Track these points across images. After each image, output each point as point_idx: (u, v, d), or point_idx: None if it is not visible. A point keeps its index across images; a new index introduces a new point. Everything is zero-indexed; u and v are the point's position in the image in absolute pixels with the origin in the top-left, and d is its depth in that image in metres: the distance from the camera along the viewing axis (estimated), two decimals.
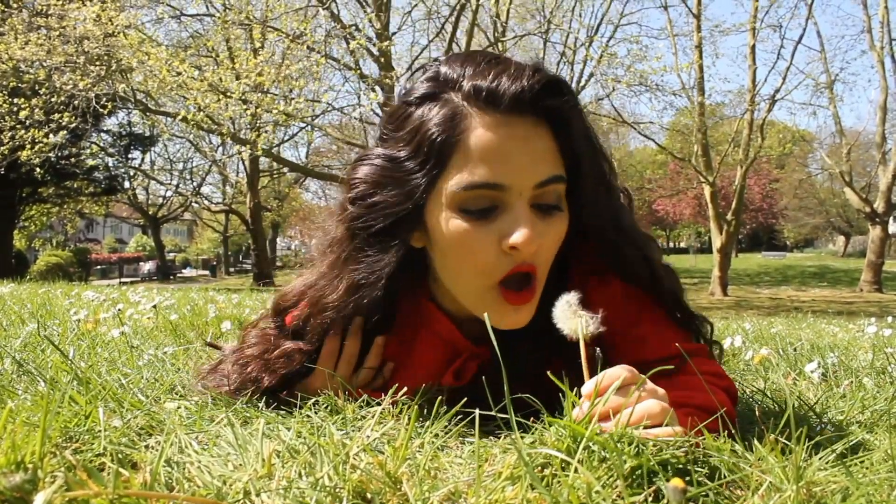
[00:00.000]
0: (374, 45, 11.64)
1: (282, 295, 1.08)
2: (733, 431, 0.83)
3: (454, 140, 0.88)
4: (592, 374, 0.76)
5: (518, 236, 0.87)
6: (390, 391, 0.94)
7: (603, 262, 1.03)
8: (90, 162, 20.23)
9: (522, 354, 0.98)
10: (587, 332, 0.79)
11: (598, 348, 0.98)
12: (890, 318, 4.46)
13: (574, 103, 0.92)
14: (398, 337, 1.07)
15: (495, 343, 0.81)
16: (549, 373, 0.76)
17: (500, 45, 14.14)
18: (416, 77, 0.97)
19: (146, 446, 0.80)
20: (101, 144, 23.81)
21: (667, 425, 0.72)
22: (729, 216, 17.96)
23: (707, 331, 1.10)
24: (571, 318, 0.81)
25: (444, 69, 0.92)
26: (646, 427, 0.70)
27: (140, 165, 26.88)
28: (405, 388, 0.94)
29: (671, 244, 47.64)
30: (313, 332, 1.03)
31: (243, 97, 10.23)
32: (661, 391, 0.78)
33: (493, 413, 0.77)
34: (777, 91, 17.24)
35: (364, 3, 13.09)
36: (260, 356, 1.05)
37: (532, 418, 0.75)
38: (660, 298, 1.05)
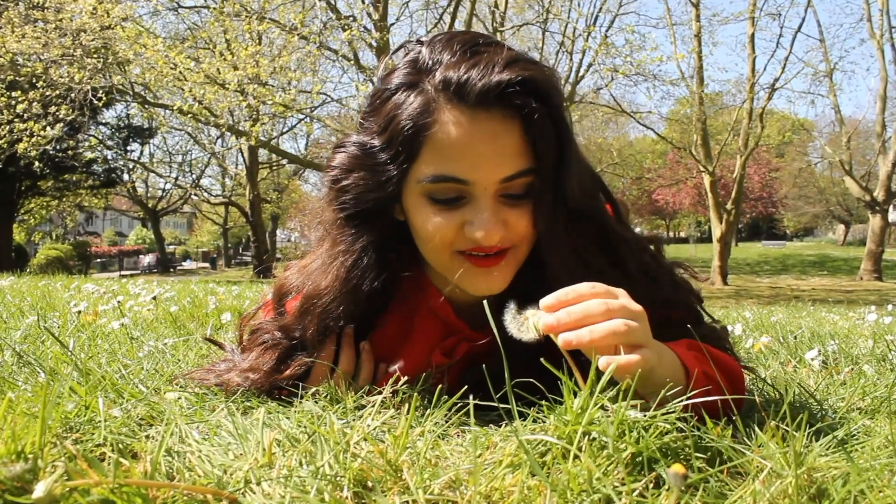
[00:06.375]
0: (371, 35, 11.58)
1: (282, 282, 1.10)
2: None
3: (425, 134, 0.89)
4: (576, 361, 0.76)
5: (478, 230, 0.90)
6: (390, 381, 0.94)
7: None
8: (88, 155, 20.20)
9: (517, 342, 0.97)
10: (540, 328, 0.78)
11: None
12: (890, 307, 4.46)
13: (543, 107, 0.88)
14: (398, 315, 1.07)
15: (492, 323, 0.81)
16: (542, 360, 0.76)
17: (498, 35, 14.08)
18: (399, 57, 0.97)
19: (146, 436, 0.80)
20: (100, 137, 23.78)
21: (637, 347, 0.74)
22: (728, 205, 17.96)
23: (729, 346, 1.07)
24: (521, 322, 0.81)
25: (424, 52, 0.92)
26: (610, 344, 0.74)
27: (139, 158, 26.89)
28: (405, 378, 0.94)
29: (671, 234, 47.69)
30: (311, 333, 1.01)
31: (240, 88, 10.18)
32: (638, 308, 0.78)
33: (493, 404, 0.77)
34: (777, 80, 17.19)
35: None
36: (258, 370, 1.03)
37: (538, 395, 0.75)
38: None
